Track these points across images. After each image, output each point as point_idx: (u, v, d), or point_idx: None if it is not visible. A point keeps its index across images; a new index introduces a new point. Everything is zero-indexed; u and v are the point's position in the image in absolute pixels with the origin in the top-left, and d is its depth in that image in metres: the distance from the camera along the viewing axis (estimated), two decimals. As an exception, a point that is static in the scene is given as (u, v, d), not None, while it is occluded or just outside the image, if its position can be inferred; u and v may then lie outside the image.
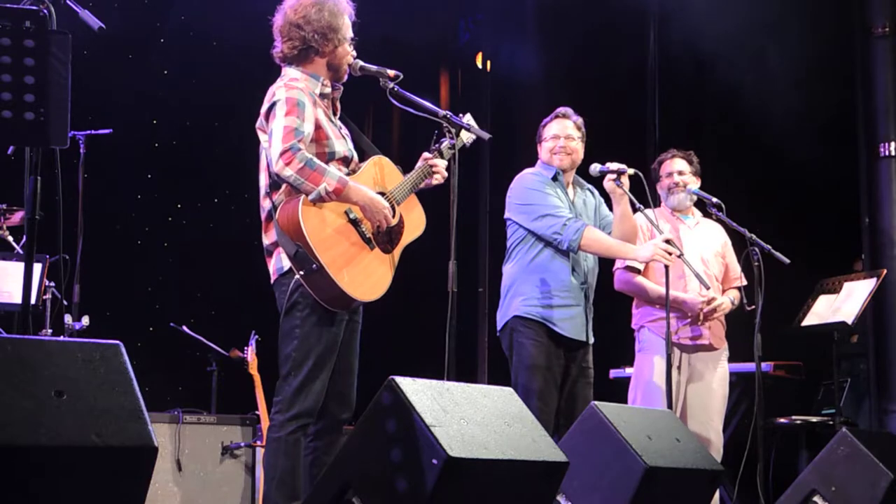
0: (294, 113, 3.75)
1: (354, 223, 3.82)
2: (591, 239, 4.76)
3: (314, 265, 3.66)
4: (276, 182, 3.80)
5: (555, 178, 4.93)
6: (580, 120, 5.01)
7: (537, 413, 4.50)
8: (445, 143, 4.09)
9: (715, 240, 5.41)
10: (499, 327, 4.91)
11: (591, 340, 4.89)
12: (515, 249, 4.91)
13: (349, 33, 3.98)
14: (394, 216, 3.94)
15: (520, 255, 4.89)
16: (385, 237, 3.92)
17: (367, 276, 3.80)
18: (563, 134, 4.94)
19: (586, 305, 4.86)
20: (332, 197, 3.71)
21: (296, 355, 3.77)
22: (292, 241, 3.70)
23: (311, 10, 3.90)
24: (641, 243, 4.98)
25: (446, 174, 4.07)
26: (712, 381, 5.22)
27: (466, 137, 4.27)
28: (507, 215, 4.97)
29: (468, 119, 4.27)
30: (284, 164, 3.66)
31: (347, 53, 3.98)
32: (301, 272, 3.69)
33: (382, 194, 3.91)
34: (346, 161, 3.95)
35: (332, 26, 3.90)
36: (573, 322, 4.79)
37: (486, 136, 4.20)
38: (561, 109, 5.03)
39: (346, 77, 4.04)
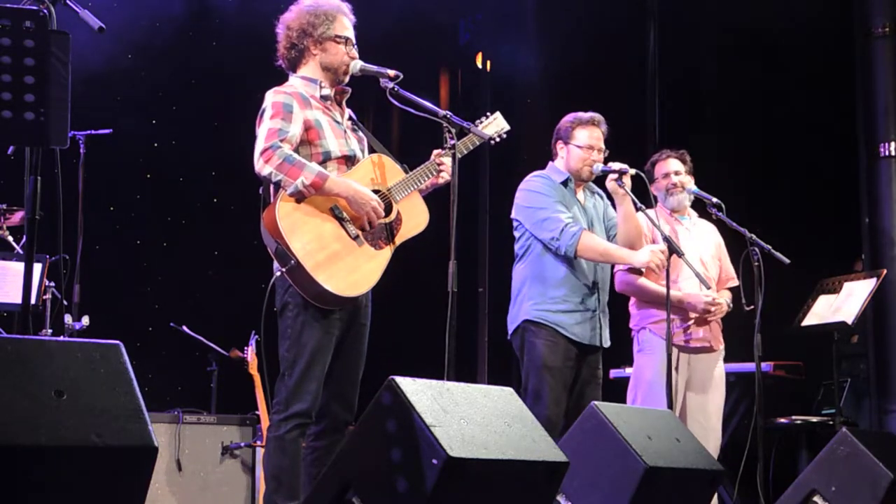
0: (279, 115, 3.83)
1: (340, 220, 3.82)
2: (587, 245, 4.75)
3: (293, 261, 3.67)
4: (275, 189, 3.82)
5: (565, 183, 4.92)
6: (606, 128, 4.96)
7: (547, 414, 4.52)
8: (463, 140, 4.11)
9: (711, 241, 5.41)
10: (510, 330, 4.90)
11: (607, 344, 4.88)
12: (525, 251, 4.90)
13: (341, 32, 4.00)
14: (390, 212, 3.93)
15: (530, 257, 4.88)
16: (379, 233, 3.91)
17: (348, 272, 3.78)
18: (597, 146, 4.91)
19: (599, 309, 4.85)
20: (310, 190, 3.73)
21: (288, 356, 3.80)
22: (272, 238, 3.72)
23: (297, 13, 4.02)
24: (645, 243, 4.97)
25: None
26: (710, 382, 5.22)
27: (495, 131, 4.30)
28: (513, 215, 4.96)
29: (496, 116, 4.33)
30: (264, 161, 3.74)
31: (342, 54, 4.00)
32: (283, 269, 3.71)
33: (378, 191, 3.91)
34: (347, 161, 3.94)
35: (312, 24, 3.97)
36: (584, 326, 4.78)
37: (486, 136, 4.21)
38: (595, 116, 4.95)
39: (346, 78, 4.05)
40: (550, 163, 5.02)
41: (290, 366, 3.78)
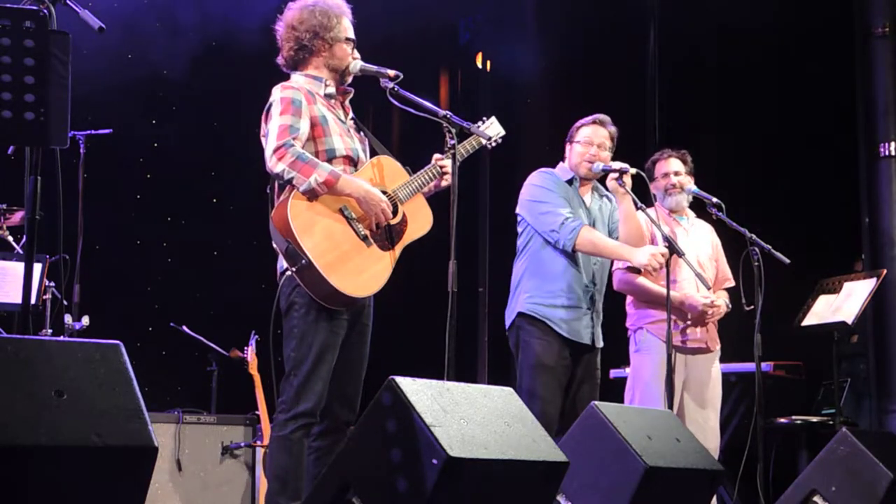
0: (289, 111, 3.80)
1: (349, 220, 3.82)
2: (587, 239, 4.75)
3: (303, 260, 3.67)
4: (282, 186, 3.82)
5: (570, 182, 4.92)
6: (615, 129, 4.97)
7: (540, 412, 4.51)
8: (463, 143, 4.10)
9: (708, 242, 5.41)
10: (507, 324, 4.92)
11: (599, 345, 4.88)
12: (525, 246, 4.91)
13: (347, 34, 4.01)
14: (396, 214, 3.94)
15: (529, 253, 4.89)
16: (385, 235, 3.91)
17: (358, 272, 3.79)
18: (597, 142, 4.92)
19: (592, 308, 4.85)
20: (323, 188, 3.72)
21: (294, 355, 3.79)
22: (283, 237, 3.71)
23: (305, 12, 4.00)
24: (646, 243, 4.97)
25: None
26: (708, 382, 5.22)
27: (494, 134, 4.30)
28: (517, 210, 4.98)
29: (492, 121, 4.33)
30: (277, 159, 3.72)
31: (347, 54, 4.01)
32: (293, 268, 3.71)
33: (384, 193, 3.91)
34: (351, 161, 3.94)
35: (324, 25, 3.96)
36: (575, 324, 4.78)
37: (486, 135, 4.21)
38: (599, 115, 4.97)
39: (349, 79, 4.06)
40: (560, 163, 5.03)
41: (297, 366, 3.77)
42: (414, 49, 7.51)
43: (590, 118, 4.97)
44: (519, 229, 4.98)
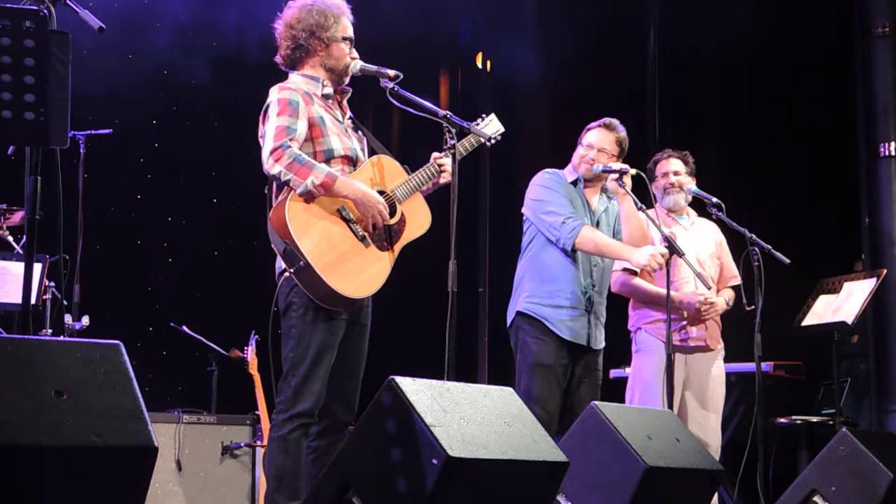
0: (286, 112, 3.80)
1: (347, 221, 3.82)
2: (587, 238, 4.76)
3: (301, 262, 3.67)
4: (279, 187, 3.82)
5: (575, 183, 4.93)
6: (623, 135, 4.96)
7: (539, 412, 4.51)
8: (461, 142, 4.10)
9: (710, 240, 5.41)
10: (508, 323, 4.93)
11: (598, 346, 4.87)
12: (528, 246, 4.93)
13: (345, 34, 4.01)
14: (394, 214, 3.94)
15: (531, 252, 4.91)
16: (384, 235, 3.91)
17: (356, 273, 3.79)
18: (597, 145, 4.92)
19: (591, 310, 4.85)
20: (320, 191, 3.72)
21: (293, 355, 3.78)
22: (281, 239, 3.71)
23: (303, 11, 3.99)
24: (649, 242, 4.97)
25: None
26: (709, 381, 5.22)
27: (491, 132, 4.30)
28: (522, 210, 4.99)
29: (491, 118, 4.32)
30: (274, 161, 3.71)
31: (344, 53, 4.00)
32: (291, 270, 3.70)
33: (382, 193, 3.91)
34: (349, 160, 3.94)
35: (321, 25, 3.96)
36: (573, 325, 4.78)
37: (486, 135, 4.22)
38: (607, 119, 4.97)
39: (347, 79, 4.06)
40: (570, 164, 5.05)
41: (295, 366, 3.77)
42: (414, 49, 7.50)
43: (598, 122, 4.97)
44: (524, 228, 4.99)
